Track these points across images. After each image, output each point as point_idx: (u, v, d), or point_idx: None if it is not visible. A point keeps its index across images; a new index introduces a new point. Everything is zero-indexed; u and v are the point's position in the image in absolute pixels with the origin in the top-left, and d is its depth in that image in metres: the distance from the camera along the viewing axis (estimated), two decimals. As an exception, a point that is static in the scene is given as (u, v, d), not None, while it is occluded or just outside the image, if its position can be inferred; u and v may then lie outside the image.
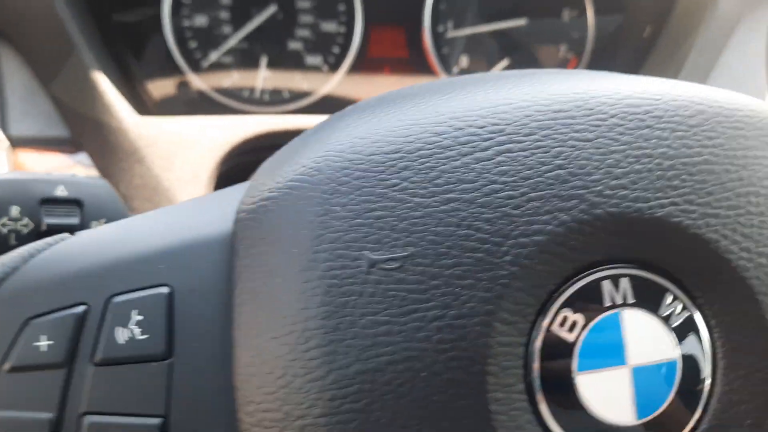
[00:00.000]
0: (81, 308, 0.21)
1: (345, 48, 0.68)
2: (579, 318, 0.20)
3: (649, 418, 0.21)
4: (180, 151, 0.57)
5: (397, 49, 0.69)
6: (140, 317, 0.21)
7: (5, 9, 0.56)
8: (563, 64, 0.72)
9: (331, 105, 0.68)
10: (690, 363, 0.21)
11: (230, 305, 0.21)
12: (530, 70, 0.27)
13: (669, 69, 0.63)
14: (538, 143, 0.21)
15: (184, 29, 0.65)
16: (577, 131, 0.21)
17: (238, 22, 0.65)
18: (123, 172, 0.56)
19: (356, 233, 0.20)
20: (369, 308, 0.19)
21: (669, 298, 0.21)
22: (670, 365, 0.21)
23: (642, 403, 0.20)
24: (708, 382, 0.21)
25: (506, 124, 0.21)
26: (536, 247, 0.20)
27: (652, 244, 0.21)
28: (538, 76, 0.25)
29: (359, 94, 0.69)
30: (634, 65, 0.69)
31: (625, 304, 0.21)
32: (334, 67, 0.68)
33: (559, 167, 0.21)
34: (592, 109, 0.22)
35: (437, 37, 0.69)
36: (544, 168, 0.21)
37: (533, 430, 0.20)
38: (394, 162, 0.21)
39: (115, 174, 0.57)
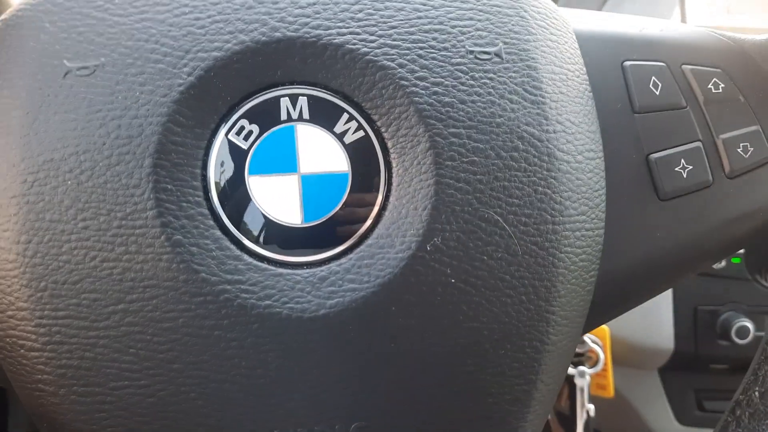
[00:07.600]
0: None
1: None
2: (255, 128, 0.23)
3: (316, 222, 0.23)
4: None
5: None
6: None
7: None
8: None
9: None
10: (361, 178, 0.23)
11: None
12: None
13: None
14: None
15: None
16: None
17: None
18: None
19: (59, 45, 0.23)
20: (61, 108, 0.22)
21: (344, 118, 0.23)
22: (340, 177, 0.23)
23: (309, 209, 0.23)
24: (380, 197, 0.23)
25: None
26: (214, 62, 0.22)
27: (331, 68, 0.23)
28: None
29: None
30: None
31: (300, 119, 0.23)
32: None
33: None
34: None
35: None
36: None
37: (204, 220, 0.22)
38: None
39: None
